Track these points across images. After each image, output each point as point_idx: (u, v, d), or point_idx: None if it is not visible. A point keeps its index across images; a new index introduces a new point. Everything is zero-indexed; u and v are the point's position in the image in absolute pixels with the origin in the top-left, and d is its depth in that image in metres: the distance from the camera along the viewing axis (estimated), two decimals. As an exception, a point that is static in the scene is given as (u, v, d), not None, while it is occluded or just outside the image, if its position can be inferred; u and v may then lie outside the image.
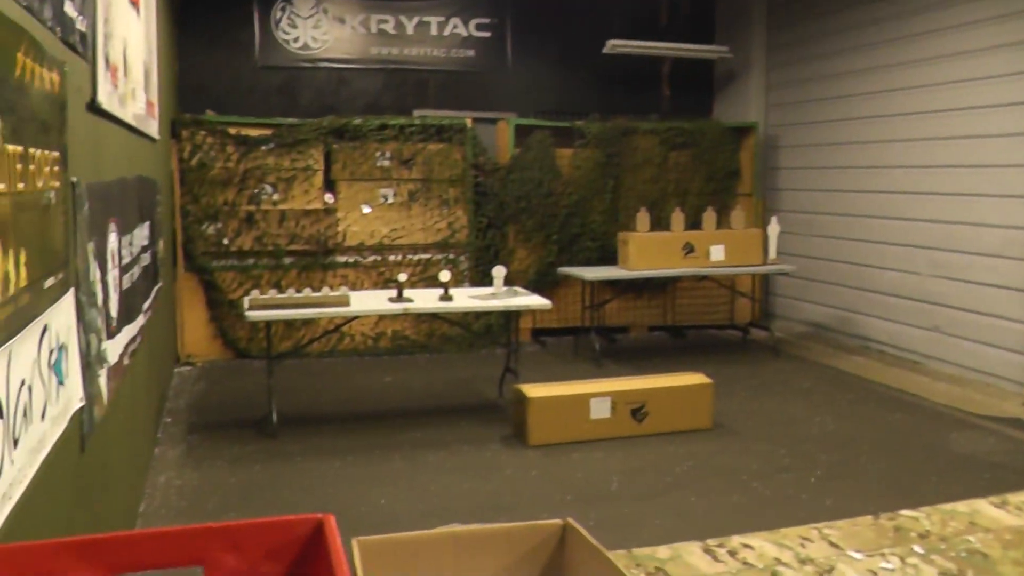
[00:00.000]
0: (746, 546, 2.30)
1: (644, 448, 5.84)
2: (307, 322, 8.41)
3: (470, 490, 5.12)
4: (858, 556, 2.23)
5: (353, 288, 8.56)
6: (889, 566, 2.16)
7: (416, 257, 8.88)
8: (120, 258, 3.97)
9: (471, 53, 10.05)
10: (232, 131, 8.31)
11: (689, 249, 8.43)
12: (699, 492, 5.08)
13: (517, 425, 6.05)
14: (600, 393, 5.99)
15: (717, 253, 8.45)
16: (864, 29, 8.81)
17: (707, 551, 2.19)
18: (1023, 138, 7.00)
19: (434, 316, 8.04)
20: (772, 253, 8.73)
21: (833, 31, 9.26)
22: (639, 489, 5.13)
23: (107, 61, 3.67)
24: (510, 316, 7.08)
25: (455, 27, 9.97)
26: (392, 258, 8.81)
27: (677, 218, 8.67)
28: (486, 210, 9.12)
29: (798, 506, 4.80)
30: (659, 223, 9.21)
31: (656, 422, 6.09)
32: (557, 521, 1.67)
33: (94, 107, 3.41)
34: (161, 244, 6.33)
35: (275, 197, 8.42)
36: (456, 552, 1.53)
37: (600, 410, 5.96)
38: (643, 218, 8.62)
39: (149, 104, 5.56)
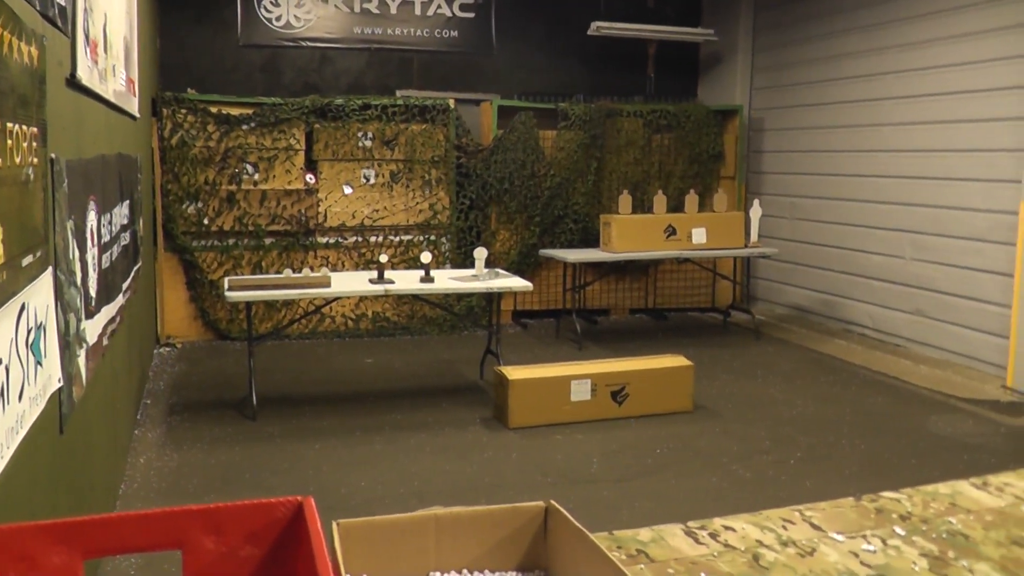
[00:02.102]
0: (728, 528, 2.31)
1: (624, 430, 5.86)
2: (288, 303, 8.38)
3: (451, 472, 5.12)
4: (840, 538, 2.24)
5: (334, 269, 8.54)
6: (871, 548, 2.17)
7: (398, 238, 8.84)
8: (100, 237, 3.93)
9: (455, 33, 9.99)
10: (213, 110, 8.24)
11: (671, 232, 8.43)
12: (679, 474, 5.09)
13: (498, 407, 6.05)
14: (581, 375, 5.99)
15: (699, 236, 8.46)
16: (850, 13, 8.81)
17: (689, 533, 2.20)
18: (1009, 123, 7.02)
19: (415, 298, 8.02)
20: (754, 236, 8.75)
21: (818, 15, 9.25)
22: (619, 471, 5.14)
23: (87, 36, 3.62)
24: (492, 298, 7.07)
25: (439, 7, 9.90)
26: (373, 239, 8.77)
27: (659, 200, 8.66)
28: (468, 191, 9.08)
29: (778, 488, 4.82)
30: (642, 205, 9.22)
31: (636, 404, 6.11)
32: (539, 503, 1.66)
33: (74, 82, 3.36)
34: (141, 223, 6.28)
35: (256, 177, 8.37)
36: (438, 534, 1.52)
37: (581, 392, 5.97)
38: (625, 200, 8.62)
39: (129, 81, 5.50)
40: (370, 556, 1.49)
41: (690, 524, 2.25)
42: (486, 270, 6.69)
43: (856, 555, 2.14)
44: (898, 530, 2.30)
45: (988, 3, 7.24)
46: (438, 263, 8.85)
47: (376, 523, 1.58)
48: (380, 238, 8.79)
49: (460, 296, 8.68)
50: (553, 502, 1.68)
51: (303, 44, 9.58)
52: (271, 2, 9.40)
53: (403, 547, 1.51)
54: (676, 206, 9.20)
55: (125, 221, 5.09)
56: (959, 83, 7.52)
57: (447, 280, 6.54)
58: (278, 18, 9.46)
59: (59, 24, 3.07)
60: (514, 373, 5.94)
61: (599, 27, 9.87)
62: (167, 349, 8.09)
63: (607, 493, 4.80)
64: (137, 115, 6.08)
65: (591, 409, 6.01)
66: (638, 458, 5.36)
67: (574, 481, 4.99)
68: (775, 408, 6.42)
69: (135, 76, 5.85)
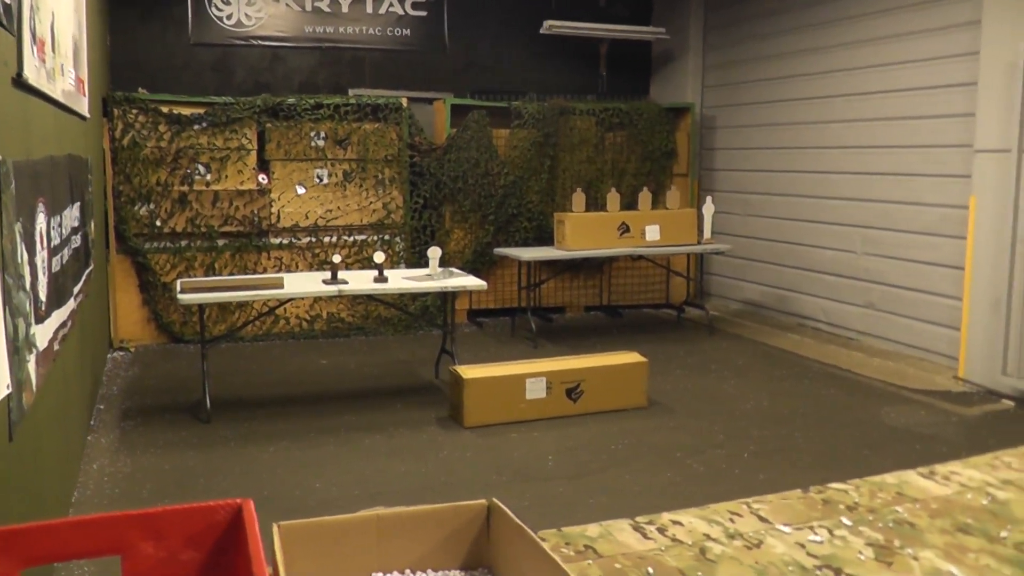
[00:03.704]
0: (676, 522, 2.33)
1: (580, 427, 5.88)
2: (241, 305, 8.31)
3: (406, 473, 5.11)
4: (787, 529, 2.27)
5: (288, 270, 8.49)
6: (817, 538, 2.20)
7: (352, 238, 8.80)
8: (49, 239, 3.86)
9: (407, 32, 9.97)
10: (165, 109, 8.14)
11: (625, 229, 8.47)
12: (634, 470, 5.12)
13: (453, 406, 6.05)
14: (536, 373, 6.01)
15: (652, 233, 8.51)
16: (799, 11, 8.91)
17: (636, 528, 2.21)
18: (958, 119, 7.14)
19: (370, 298, 7.98)
20: (707, 233, 8.82)
21: (768, 13, 9.35)
22: (574, 468, 5.16)
23: (34, 35, 3.56)
24: (446, 297, 7.06)
25: (391, 6, 9.87)
26: (327, 239, 8.72)
27: (613, 198, 8.71)
28: (422, 190, 9.06)
29: (731, 481, 4.86)
30: (595, 203, 9.26)
31: (591, 401, 6.13)
32: (482, 502, 1.67)
33: (20, 82, 3.30)
34: (93, 226, 6.19)
35: (208, 177, 8.28)
36: (380, 535, 1.51)
37: (536, 390, 5.98)
38: (579, 198, 8.65)
39: (79, 80, 5.42)
40: (312, 558, 1.49)
41: (638, 519, 2.27)
42: (440, 269, 6.69)
43: (803, 546, 2.17)
44: (845, 520, 2.33)
45: (936, 2, 7.36)
46: (392, 263, 8.82)
47: (318, 524, 1.57)
48: (334, 238, 8.74)
49: (415, 296, 8.66)
50: (495, 500, 1.69)
51: (254, 43, 9.50)
52: (222, 0, 9.32)
53: (345, 548, 1.51)
54: (629, 204, 9.25)
55: (76, 223, 5.01)
56: (909, 80, 7.64)
57: (401, 280, 6.52)
58: (229, 16, 9.38)
59: (4, 22, 3.02)
60: (469, 372, 5.94)
61: (551, 26, 9.90)
62: (121, 353, 7.98)
63: (562, 490, 4.81)
64: (87, 115, 5.99)
65: (546, 407, 6.02)
66: (593, 454, 5.38)
67: (530, 479, 5.00)
68: (729, 402, 6.48)
69: (85, 75, 5.77)
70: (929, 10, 7.42)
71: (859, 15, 8.15)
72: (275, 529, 1.52)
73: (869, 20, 8.04)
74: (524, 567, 1.42)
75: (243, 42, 9.46)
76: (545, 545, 1.69)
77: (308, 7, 9.59)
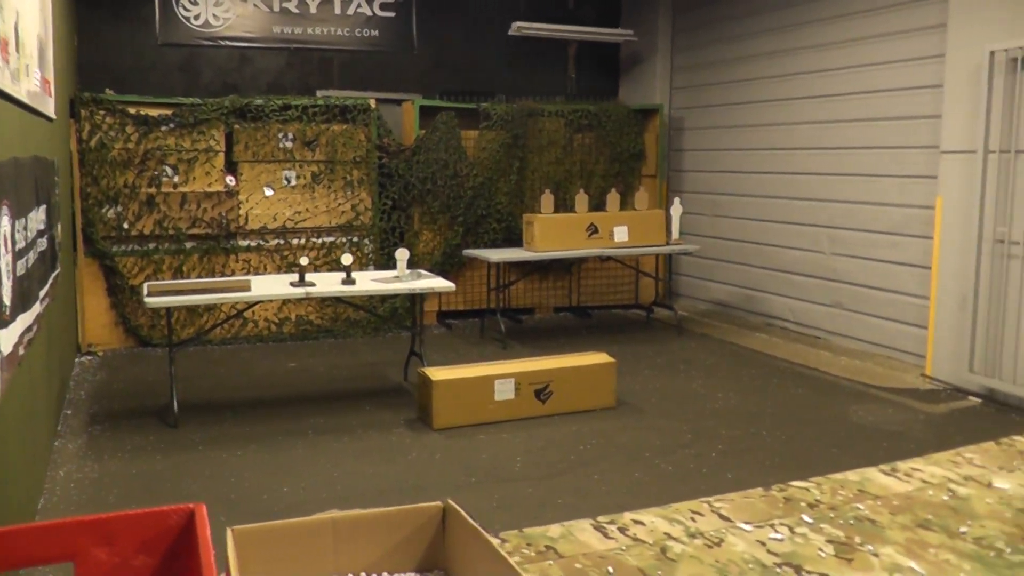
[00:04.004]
0: (637, 522, 2.34)
1: (548, 428, 5.89)
2: (209, 308, 8.26)
3: (374, 475, 5.10)
4: (748, 528, 2.28)
5: (256, 272, 8.45)
6: (778, 536, 2.21)
7: (320, 240, 8.77)
8: (14, 243, 3.83)
9: (375, 33, 9.95)
10: (132, 110, 8.07)
11: (593, 230, 8.50)
12: (602, 470, 5.13)
13: (422, 408, 6.04)
14: (504, 375, 6.01)
15: (621, 234, 8.54)
16: (767, 14, 8.97)
17: (598, 528, 2.22)
18: (924, 120, 7.23)
19: (338, 300, 7.96)
20: (675, 233, 8.86)
21: (736, 16, 9.41)
22: (543, 469, 5.17)
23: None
24: (415, 299, 7.05)
25: (359, 6, 9.85)
26: (296, 241, 8.69)
27: (581, 199, 8.73)
28: (391, 192, 9.04)
29: (699, 480, 4.89)
30: (564, 204, 9.28)
31: (560, 402, 6.15)
32: (437, 503, 1.67)
33: (-19, 83, 3.28)
34: (59, 228, 6.13)
35: (176, 179, 8.23)
36: (336, 538, 1.51)
37: (504, 391, 5.99)
38: (548, 200, 8.67)
39: (45, 81, 5.37)
40: (268, 562, 1.48)
41: (599, 519, 2.28)
42: (408, 271, 6.68)
43: (763, 544, 2.19)
44: (806, 518, 2.36)
45: (900, 5, 7.43)
46: (361, 264, 8.79)
47: (272, 528, 1.57)
48: (302, 240, 8.70)
49: (384, 298, 8.64)
50: (451, 502, 1.69)
51: (222, 43, 9.45)
52: (189, 0, 9.26)
53: (301, 551, 1.50)
54: (598, 205, 9.28)
55: (42, 226, 4.96)
56: (876, 82, 7.71)
57: (369, 282, 6.51)
58: (196, 17, 9.32)
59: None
60: (437, 374, 5.94)
61: (520, 27, 9.91)
62: (88, 357, 7.91)
63: (531, 491, 4.82)
64: (54, 116, 5.94)
65: (515, 408, 6.03)
66: (562, 455, 5.39)
67: (498, 480, 5.00)
68: (697, 402, 6.52)
69: (51, 76, 5.72)
70: (896, 13, 7.50)
71: (827, 18, 8.22)
72: (229, 533, 1.52)
73: (836, 23, 8.11)
74: (479, 569, 1.43)
75: (211, 43, 9.40)
76: (507, 546, 1.70)
77: (276, 8, 9.55)
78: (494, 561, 1.35)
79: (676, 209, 8.88)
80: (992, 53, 6.30)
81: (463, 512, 1.63)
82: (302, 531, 1.53)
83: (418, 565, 1.60)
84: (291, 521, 1.60)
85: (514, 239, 9.20)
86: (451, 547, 1.55)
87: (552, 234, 8.38)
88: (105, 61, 9.01)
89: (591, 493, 4.77)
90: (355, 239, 8.87)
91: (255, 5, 9.48)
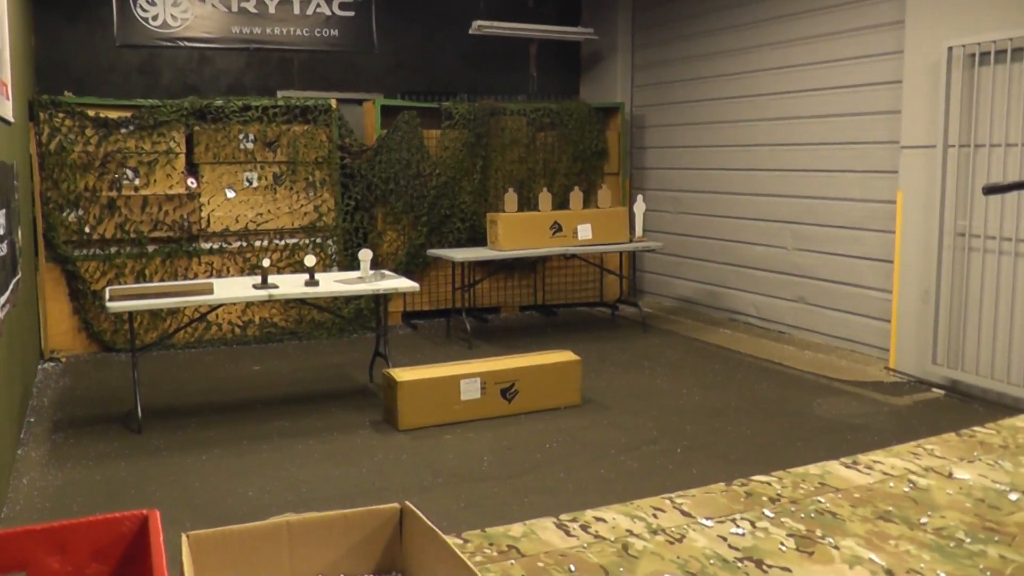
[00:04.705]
0: (599, 519, 2.34)
1: (515, 427, 5.89)
2: (172, 312, 8.18)
3: (339, 477, 5.08)
4: (709, 523, 2.29)
5: (219, 275, 8.38)
6: (739, 531, 2.22)
7: (283, 242, 8.71)
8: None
9: (335, 32, 9.90)
10: (91, 113, 7.98)
11: (557, 228, 8.52)
12: (568, 468, 5.15)
13: (388, 409, 6.03)
14: (470, 374, 6.01)
15: (584, 232, 8.56)
16: (726, 11, 9.03)
17: (560, 526, 2.22)
18: (884, 116, 7.30)
19: (302, 302, 7.91)
20: (639, 231, 8.89)
21: (695, 14, 9.46)
22: (509, 468, 5.17)
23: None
24: (379, 300, 7.03)
25: (318, 6, 9.80)
26: (258, 243, 8.63)
27: (545, 198, 8.74)
28: (354, 192, 9.00)
29: (665, 476, 4.92)
30: (528, 203, 9.29)
31: (526, 401, 6.15)
32: (394, 505, 1.66)
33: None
34: (20, 233, 6.05)
35: (137, 182, 8.14)
36: (291, 541, 1.50)
37: (470, 391, 5.98)
38: (511, 198, 8.67)
39: (2, 84, 5.30)
40: (223, 567, 1.47)
41: (561, 517, 2.28)
42: (372, 271, 6.66)
43: (724, 539, 2.19)
44: (767, 512, 2.36)
45: (860, 2, 7.51)
46: (325, 266, 8.75)
47: (226, 533, 1.55)
48: (265, 242, 8.65)
49: (348, 299, 8.60)
50: (408, 503, 1.69)
51: (181, 44, 9.37)
52: (147, 1, 9.17)
53: (257, 556, 1.49)
54: (561, 203, 9.29)
55: (2, 231, 4.90)
56: (835, 79, 7.78)
57: (332, 283, 6.48)
58: (155, 17, 9.23)
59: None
60: (402, 375, 5.92)
61: (480, 26, 9.90)
62: (51, 364, 7.81)
63: (498, 490, 4.82)
64: (12, 119, 5.86)
65: (481, 407, 6.03)
66: (528, 454, 5.40)
67: (465, 480, 5.00)
68: (662, 398, 6.55)
69: (7, 79, 5.64)
70: (854, 10, 7.57)
71: (786, 15, 8.29)
72: (184, 539, 1.51)
73: (796, 20, 8.18)
74: (437, 570, 1.42)
75: (170, 43, 9.32)
76: (469, 546, 1.70)
77: (234, 8, 9.48)
78: (452, 563, 1.35)
79: (639, 206, 8.91)
80: (950, 49, 6.38)
81: (420, 514, 1.62)
82: (257, 535, 1.52)
83: (376, 567, 1.59)
84: (245, 525, 1.58)
85: (478, 238, 9.20)
86: (409, 549, 1.55)
87: (516, 233, 8.38)
88: (64, 63, 8.91)
89: (558, 491, 4.78)
90: (318, 240, 8.83)
91: (213, 5, 9.41)
